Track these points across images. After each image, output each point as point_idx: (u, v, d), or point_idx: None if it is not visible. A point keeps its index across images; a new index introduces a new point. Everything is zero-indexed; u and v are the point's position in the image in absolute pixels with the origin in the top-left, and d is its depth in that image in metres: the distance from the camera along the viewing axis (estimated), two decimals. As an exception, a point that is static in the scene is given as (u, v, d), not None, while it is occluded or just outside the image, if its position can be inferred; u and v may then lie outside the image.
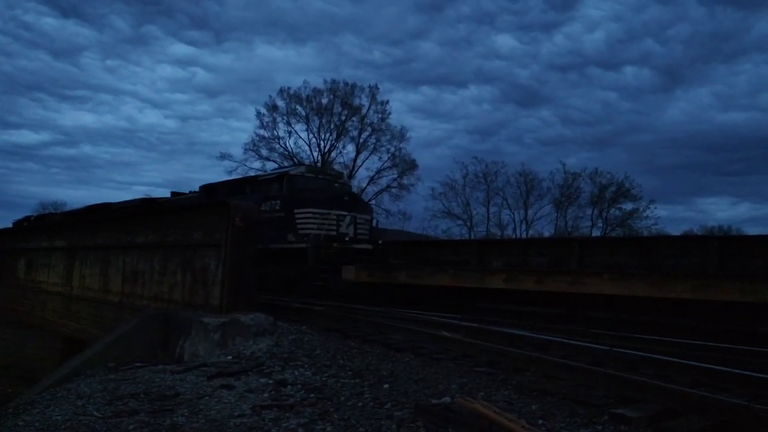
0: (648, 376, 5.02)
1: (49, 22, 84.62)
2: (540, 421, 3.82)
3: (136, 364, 6.38)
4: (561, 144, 66.21)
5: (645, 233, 36.97)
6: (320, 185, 14.39)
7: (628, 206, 40.79)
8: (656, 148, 66.11)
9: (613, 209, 41.42)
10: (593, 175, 41.50)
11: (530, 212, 43.23)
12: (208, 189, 15.45)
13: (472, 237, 40.64)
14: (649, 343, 6.87)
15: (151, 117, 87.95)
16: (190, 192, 16.39)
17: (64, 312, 12.76)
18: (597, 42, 71.52)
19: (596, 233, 40.08)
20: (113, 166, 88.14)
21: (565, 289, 9.52)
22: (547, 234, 41.21)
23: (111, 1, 75.84)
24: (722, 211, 68.72)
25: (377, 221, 16.15)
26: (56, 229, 14.17)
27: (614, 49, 70.13)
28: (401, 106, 73.04)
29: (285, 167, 13.49)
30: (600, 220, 41.66)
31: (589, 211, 41.87)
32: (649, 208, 39.83)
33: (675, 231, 42.08)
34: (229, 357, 6.15)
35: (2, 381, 21.06)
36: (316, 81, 65.51)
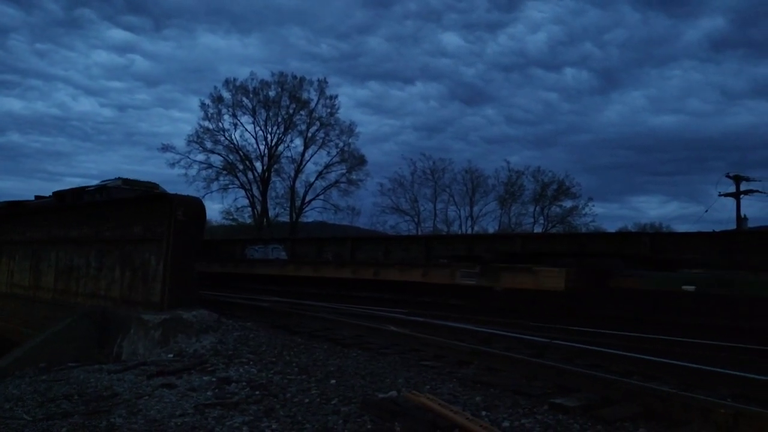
0: (584, 367, 5.24)
1: (-29, 0, 79.05)
2: (483, 413, 3.91)
3: (70, 364, 6.09)
4: (505, 142, 68.12)
5: (584, 230, 38.52)
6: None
7: (568, 204, 42.46)
8: (593, 149, 69.16)
9: (554, 206, 42.96)
10: (536, 174, 42.93)
11: (476, 209, 44.21)
12: (58, 196, 15.26)
13: (420, 233, 41.12)
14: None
15: (85, 105, 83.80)
16: (48, 197, 15.91)
17: (-11, 310, 12.01)
18: (539, 43, 73.96)
19: (538, 229, 41.45)
20: (44, 155, 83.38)
21: (371, 276, 11.74)
22: (491, 230, 42.25)
23: (40, -20, 71.71)
24: (653, 209, 72.69)
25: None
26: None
27: (555, 51, 72.75)
28: (349, 100, 73.04)
29: (107, 180, 14.63)
30: (542, 217, 43.12)
31: (531, 208, 43.25)
32: (587, 205, 41.57)
33: (611, 228, 44.13)
34: (171, 355, 5.97)
35: None
36: (263, 72, 64.40)
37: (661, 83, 73.70)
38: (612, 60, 72.67)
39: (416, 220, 44.31)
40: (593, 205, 41.74)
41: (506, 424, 3.69)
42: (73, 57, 78.26)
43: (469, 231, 42.22)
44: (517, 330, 7.75)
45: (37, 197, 16.26)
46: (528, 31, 75.03)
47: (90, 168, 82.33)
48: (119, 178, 14.08)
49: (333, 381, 4.80)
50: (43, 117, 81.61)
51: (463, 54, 73.26)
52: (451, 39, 74.05)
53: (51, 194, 15.36)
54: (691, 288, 7.46)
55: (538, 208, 43.24)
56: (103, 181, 14.56)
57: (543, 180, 42.74)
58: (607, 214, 78.70)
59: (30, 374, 5.77)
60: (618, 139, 70.18)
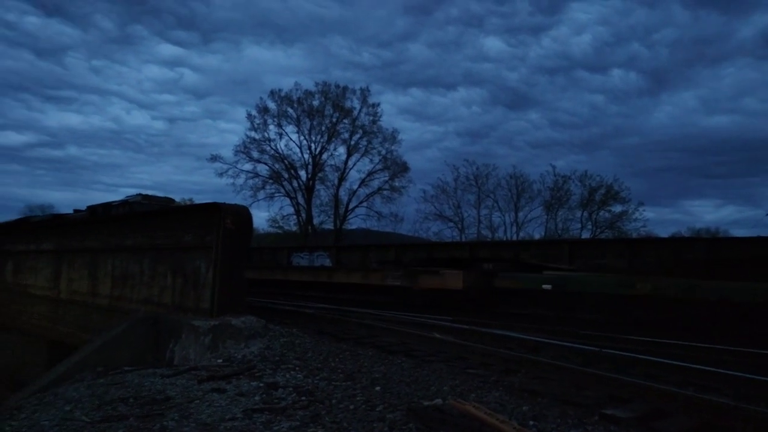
0: (638, 377, 5.06)
1: (33, 21, 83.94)
2: (531, 422, 3.83)
3: (126, 369, 6.32)
4: (550, 147, 66.75)
5: (634, 235, 37.25)
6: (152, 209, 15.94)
7: (617, 208, 41.10)
8: (643, 151, 66.84)
9: (602, 211, 41.71)
10: (583, 178, 41.79)
11: (521, 215, 43.42)
12: (91, 210, 16.77)
13: (463, 239, 40.73)
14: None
15: (138, 118, 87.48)
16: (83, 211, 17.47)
17: (51, 316, 12.62)
18: (584, 45, 72.26)
19: (586, 235, 40.34)
20: (100, 167, 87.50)
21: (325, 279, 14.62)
22: (537, 236, 41.43)
23: (95, 0, 75.40)
24: (709, 213, 69.58)
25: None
26: (43, 231, 14.01)
27: (601, 53, 70.92)
28: (391, 108, 73.31)
29: (129, 196, 16.31)
30: (590, 222, 41.93)
31: (579, 214, 42.14)
32: (637, 210, 40.15)
33: (663, 233, 42.52)
34: (220, 360, 6.11)
35: (-12, 386, 20.75)
36: (306, 82, 65.47)
37: (713, 83, 70.77)
38: (661, 60, 70.30)
39: (460, 226, 43.92)
40: (644, 210, 40.32)
41: (555, 434, 3.60)
42: (126, 72, 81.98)
43: (514, 237, 41.51)
44: (566, 338, 7.56)
45: (75, 210, 17.66)
46: (572, 33, 73.52)
47: (143, 179, 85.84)
48: (139, 194, 15.53)
49: (378, 388, 4.79)
50: (99, 131, 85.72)
51: (506, 58, 72.45)
52: (493, 43, 73.32)
53: (86, 208, 16.68)
54: (548, 286, 9.06)
55: (585, 214, 42.12)
56: (126, 197, 16.09)
57: (590, 184, 41.59)
58: (659, 219, 75.90)
59: (88, 378, 6.01)
60: (669, 141, 67.70)
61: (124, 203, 15.21)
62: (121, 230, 10.21)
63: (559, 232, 41.37)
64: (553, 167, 44.11)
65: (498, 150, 66.84)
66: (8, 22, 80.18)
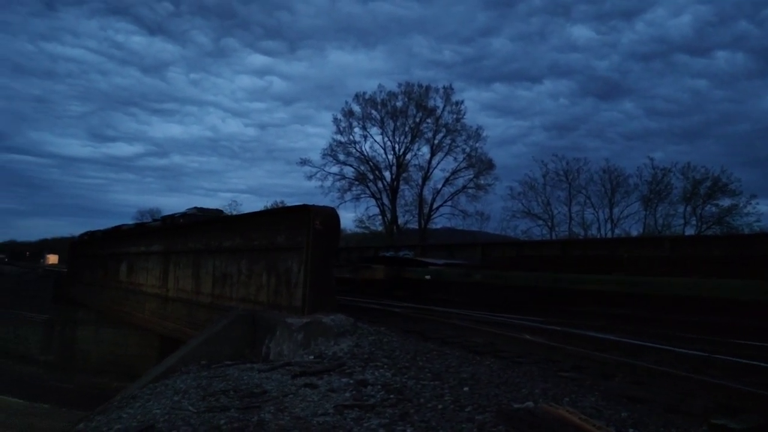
0: (751, 385, 4.63)
1: (138, 40, 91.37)
2: (630, 430, 3.63)
3: (226, 362, 6.71)
4: (647, 137, 62.80)
5: (746, 231, 34.10)
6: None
7: (726, 202, 37.73)
8: (754, 139, 60.98)
9: (708, 206, 38.52)
10: (685, 170, 38.76)
11: (616, 210, 41.13)
12: (163, 219, 19.70)
13: (554, 237, 39.29)
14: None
15: (232, 126, 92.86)
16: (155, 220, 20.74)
17: (160, 312, 13.67)
18: (683, 27, 67.28)
19: (690, 232, 37.48)
20: (200, 174, 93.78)
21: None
22: (634, 233, 39.08)
23: (192, 17, 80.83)
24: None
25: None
26: (153, 234, 15.22)
27: (703, 34, 65.73)
28: (473, 104, 72.40)
29: (188, 209, 19.56)
30: (694, 218, 38.89)
31: (681, 209, 39.21)
32: (749, 203, 36.65)
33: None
34: (312, 357, 6.32)
35: (108, 376, 22.89)
36: (388, 83, 66.03)
37: (838, 59, 63.16)
38: (774, 38, 63.81)
39: (550, 224, 42.40)
40: (757, 203, 36.75)
41: (658, 444, 3.39)
42: (220, 83, 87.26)
43: (609, 234, 39.40)
44: (668, 342, 7.09)
45: (153, 220, 19.88)
46: (669, 14, 68.75)
47: (238, 183, 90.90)
48: (195, 207, 18.58)
49: (466, 388, 4.75)
50: (198, 139, 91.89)
51: (595, 46, 69.14)
52: (581, 32, 70.24)
53: (160, 218, 19.77)
54: (428, 277, 12.39)
55: (689, 208, 39.14)
56: (186, 210, 19.26)
57: (694, 177, 38.49)
58: (776, 212, 68.82)
59: (193, 370, 6.45)
60: (785, 126, 61.31)
61: (184, 215, 18.54)
62: (221, 233, 10.86)
63: (660, 228, 38.75)
64: (651, 159, 41.23)
65: (588, 143, 63.92)
66: (118, 42, 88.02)
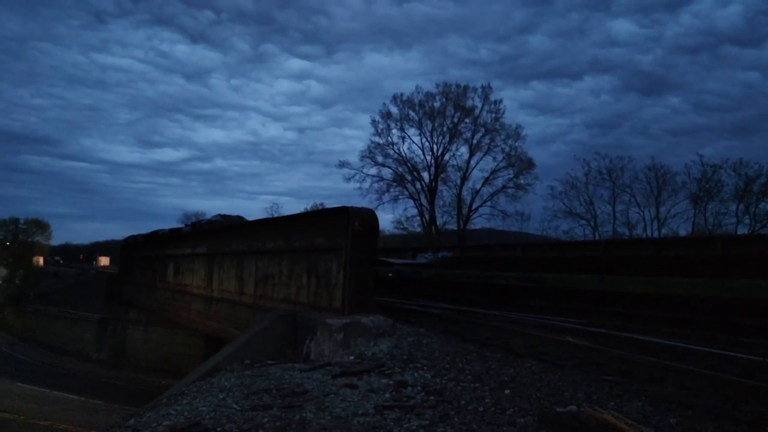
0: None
1: (182, 48, 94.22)
2: (680, 437, 3.52)
3: (268, 362, 6.85)
4: (695, 133, 60.57)
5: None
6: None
7: (782, 200, 35.93)
8: (815, 132, 57.86)
9: (763, 203, 36.76)
10: (737, 166, 37.06)
11: (662, 209, 39.74)
12: (191, 225, 20.11)
13: (597, 237, 38.30)
14: None
15: (272, 130, 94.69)
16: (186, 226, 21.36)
17: (205, 312, 14.05)
18: (733, 17, 64.55)
19: (742, 230, 35.87)
20: (242, 177, 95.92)
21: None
22: (683, 232, 37.69)
23: (232, 24, 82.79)
24: None
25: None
26: (198, 236, 15.66)
27: (755, 23, 62.84)
28: (512, 103, 71.44)
29: (213, 216, 20.46)
30: (747, 216, 37.20)
31: (733, 207, 37.57)
32: (807, 200, 34.79)
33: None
34: (352, 357, 6.38)
35: (157, 374, 23.66)
36: (425, 84, 65.81)
37: None
38: (835, 24, 60.39)
39: (593, 224, 41.35)
40: (815, 200, 34.85)
41: (709, 451, 3.27)
42: (260, 88, 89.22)
43: (656, 234, 38.15)
44: (719, 346, 6.83)
45: (185, 225, 21.62)
46: (717, 4, 66.15)
47: (278, 186, 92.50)
48: (219, 215, 19.50)
49: (507, 391, 4.70)
50: (240, 144, 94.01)
51: (638, 40, 67.24)
52: (622, 26, 68.39)
53: (191, 224, 20.49)
54: (390, 274, 12.04)
55: (742, 206, 37.47)
56: (212, 217, 20.21)
57: (747, 173, 36.78)
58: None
59: (237, 369, 6.62)
60: None
61: (209, 221, 19.59)
62: (263, 234, 11.08)
63: (710, 227, 37.25)
64: (700, 156, 39.66)
65: (632, 140, 62.15)
66: (163, 51, 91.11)
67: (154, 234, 21.35)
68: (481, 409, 4.23)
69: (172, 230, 20.19)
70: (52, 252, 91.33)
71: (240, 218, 19.82)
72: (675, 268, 10.57)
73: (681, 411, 4.11)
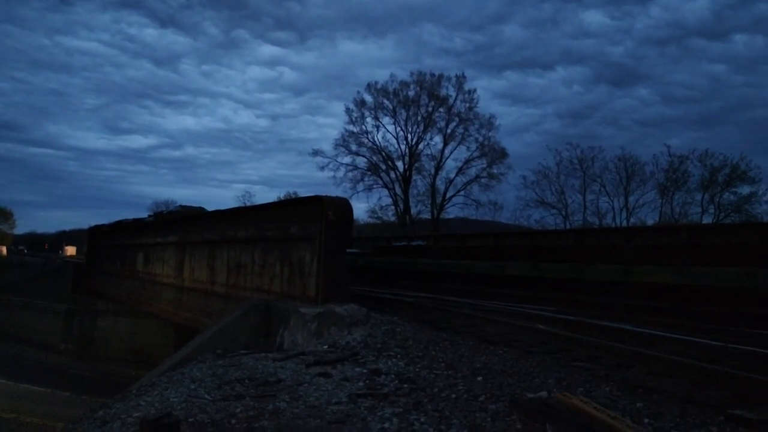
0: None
1: (150, 32, 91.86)
2: (646, 420, 3.61)
3: (241, 351, 6.79)
4: (663, 124, 61.86)
5: (765, 219, 33.52)
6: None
7: (745, 190, 37.08)
8: (776, 125, 59.72)
9: (726, 193, 37.90)
10: (703, 157, 38.05)
11: (631, 199, 40.63)
12: (154, 215, 20.53)
13: (568, 226, 38.97)
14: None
15: (244, 117, 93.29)
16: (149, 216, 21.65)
17: (177, 302, 13.85)
18: (700, 10, 65.88)
19: (707, 220, 36.95)
20: (213, 165, 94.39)
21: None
22: (650, 222, 38.63)
23: (203, 8, 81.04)
24: None
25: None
26: (168, 225, 15.37)
27: (721, 17, 64.23)
28: (485, 93, 71.78)
29: (173, 207, 22.09)
30: (712, 206, 38.31)
31: (699, 197, 38.62)
32: (769, 191, 35.92)
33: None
34: (326, 346, 6.37)
35: (127, 364, 23.26)
36: (398, 73, 65.59)
37: None
38: (797, 20, 62.24)
39: (564, 213, 42.02)
40: (777, 191, 36.00)
41: (673, 434, 3.36)
42: (232, 75, 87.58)
43: (624, 223, 39.00)
44: (684, 332, 7.02)
45: (148, 216, 21.44)
46: (685, -2, 67.18)
47: (250, 174, 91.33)
48: (179, 206, 19.81)
49: (480, 378, 4.75)
50: (211, 131, 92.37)
51: (609, 32, 68.11)
52: (594, 17, 69.16)
53: (151, 214, 20.66)
54: (362, 263, 14.96)
55: (707, 196, 38.54)
56: (172, 208, 21.02)
57: (712, 164, 37.78)
58: (796, 200, 67.45)
59: (209, 359, 6.54)
60: (808, 111, 59.94)
61: (170, 212, 20.11)
62: (235, 223, 10.94)
63: (676, 217, 38.25)
64: (668, 147, 40.71)
65: (602, 131, 63.16)
66: (130, 35, 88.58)
67: (119, 224, 21.21)
68: (453, 396, 4.27)
69: (135, 220, 20.07)
70: (16, 241, 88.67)
71: (201, 209, 19.98)
72: (642, 256, 10.82)
73: (647, 395, 4.22)
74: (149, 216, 20.56)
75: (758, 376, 4.46)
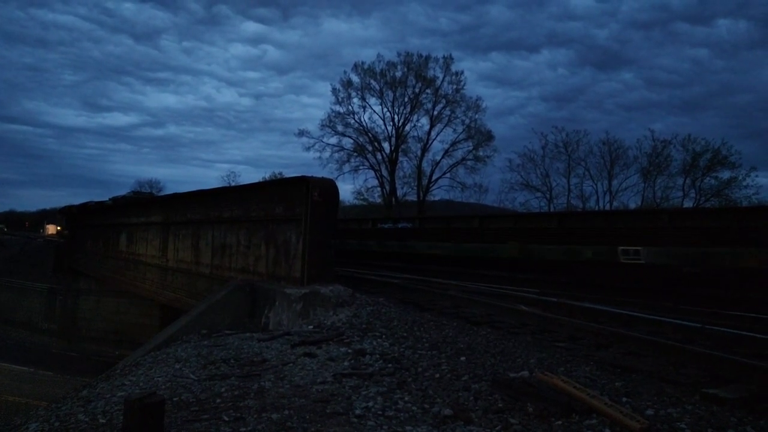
0: (744, 356, 4.71)
1: (129, 6, 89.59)
2: (624, 399, 3.70)
3: (226, 332, 6.80)
4: (647, 109, 62.27)
5: (745, 203, 34.14)
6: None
7: (725, 175, 37.66)
8: (755, 110, 60.57)
9: (707, 178, 38.47)
10: (685, 142, 38.49)
11: (615, 183, 41.08)
12: (113, 200, 20.93)
13: (552, 209, 39.34)
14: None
15: (227, 96, 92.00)
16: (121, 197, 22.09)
17: (161, 282, 13.77)
18: (685, -6, 65.70)
19: (688, 204, 37.53)
20: (197, 144, 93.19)
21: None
22: (633, 205, 39.12)
23: (184, -17, 79.00)
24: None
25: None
26: (152, 205, 15.20)
27: (705, 2, 64.36)
28: (471, 75, 71.59)
29: (128, 192, 22.11)
30: (693, 190, 38.88)
31: (680, 181, 39.16)
32: (749, 176, 36.57)
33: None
34: (311, 327, 6.40)
35: (110, 344, 23.18)
36: (384, 52, 64.89)
37: None
38: (781, 6, 62.67)
39: (548, 196, 42.37)
40: (756, 176, 36.65)
41: (650, 412, 3.46)
42: (214, 52, 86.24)
43: (607, 206, 39.46)
44: (661, 313, 7.18)
45: (109, 199, 21.72)
46: (672, -19, 67.12)
47: (235, 154, 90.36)
48: (133, 191, 20.67)
49: (463, 358, 4.83)
50: (193, 109, 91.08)
51: (595, 15, 67.98)
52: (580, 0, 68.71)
53: (109, 199, 21.19)
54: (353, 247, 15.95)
55: (688, 181, 39.09)
56: (126, 193, 21.21)
57: (694, 149, 38.26)
58: (774, 185, 68.88)
59: (194, 339, 6.54)
60: (788, 98, 60.71)
61: (125, 197, 20.75)
62: (220, 203, 10.85)
63: (658, 200, 38.78)
64: (651, 131, 41.19)
65: (587, 114, 63.43)
66: (108, 9, 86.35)
67: (85, 205, 21.93)
68: (437, 375, 4.34)
69: (98, 203, 20.53)
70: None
71: (150, 194, 20.55)
72: (623, 238, 10.99)
73: (626, 375, 4.33)
74: (109, 200, 20.86)
75: (732, 356, 4.59)
